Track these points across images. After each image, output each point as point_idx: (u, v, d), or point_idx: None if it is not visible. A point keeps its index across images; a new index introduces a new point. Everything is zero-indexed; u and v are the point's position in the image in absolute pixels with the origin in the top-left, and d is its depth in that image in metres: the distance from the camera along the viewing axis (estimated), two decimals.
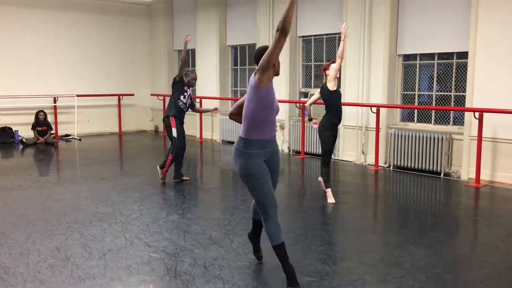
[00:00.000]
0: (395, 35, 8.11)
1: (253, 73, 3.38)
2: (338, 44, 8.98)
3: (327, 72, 6.00)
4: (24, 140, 10.96)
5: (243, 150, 3.43)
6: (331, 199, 5.92)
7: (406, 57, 8.20)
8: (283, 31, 3.01)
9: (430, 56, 7.90)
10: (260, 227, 3.84)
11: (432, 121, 7.95)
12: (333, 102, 5.94)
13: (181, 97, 6.94)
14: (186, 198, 6.13)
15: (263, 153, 3.47)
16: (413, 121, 8.21)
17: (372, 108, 8.12)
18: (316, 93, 6.21)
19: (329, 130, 5.94)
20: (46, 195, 6.34)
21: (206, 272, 3.73)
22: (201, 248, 4.26)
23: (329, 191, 5.98)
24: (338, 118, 6.01)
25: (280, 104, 10.31)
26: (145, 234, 4.65)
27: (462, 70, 7.48)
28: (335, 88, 5.93)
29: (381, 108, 8.07)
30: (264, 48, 3.32)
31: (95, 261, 4.01)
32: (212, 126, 11.80)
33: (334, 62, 5.98)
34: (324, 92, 5.95)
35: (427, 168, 7.59)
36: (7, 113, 11.38)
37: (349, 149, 8.81)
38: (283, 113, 9.99)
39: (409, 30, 7.97)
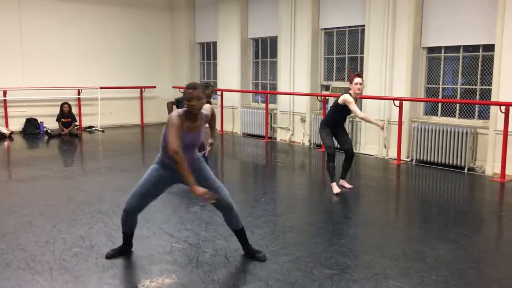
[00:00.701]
0: (420, 27, 7.98)
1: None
2: (361, 37, 8.91)
3: (356, 91, 5.87)
4: (49, 131, 11.17)
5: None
6: (336, 190, 5.93)
7: (431, 49, 8.06)
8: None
9: (455, 48, 7.76)
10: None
11: (457, 115, 7.82)
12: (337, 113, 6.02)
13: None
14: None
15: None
16: (437, 115, 8.09)
17: (395, 101, 8.02)
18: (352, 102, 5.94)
19: (324, 128, 6.09)
20: (71, 185, 6.46)
21: (227, 263, 3.76)
22: (223, 239, 4.29)
23: (333, 184, 6.00)
24: (331, 125, 6.09)
25: (301, 97, 10.32)
26: (167, 224, 4.70)
27: (488, 63, 7.32)
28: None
29: (404, 102, 7.97)
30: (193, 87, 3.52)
31: None
32: (233, 118, 11.83)
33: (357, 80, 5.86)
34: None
35: (450, 162, 7.48)
36: (33, 105, 11.61)
37: (371, 142, 8.73)
38: (304, 106, 9.96)
39: (434, 22, 7.84)
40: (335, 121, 6.11)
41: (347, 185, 6.23)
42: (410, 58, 7.99)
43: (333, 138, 6.10)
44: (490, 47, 7.18)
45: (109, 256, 3.85)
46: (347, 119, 6.36)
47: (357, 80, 5.86)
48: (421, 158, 7.85)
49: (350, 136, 8.52)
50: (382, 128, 6.03)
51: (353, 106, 5.82)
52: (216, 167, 8.32)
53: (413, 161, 7.99)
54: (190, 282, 3.42)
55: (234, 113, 11.80)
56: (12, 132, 10.91)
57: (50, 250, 3.99)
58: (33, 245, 4.12)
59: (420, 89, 8.19)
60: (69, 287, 3.35)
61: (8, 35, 11.16)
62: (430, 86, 8.15)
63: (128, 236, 3.92)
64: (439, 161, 7.61)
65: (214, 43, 12.43)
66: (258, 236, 4.37)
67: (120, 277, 3.54)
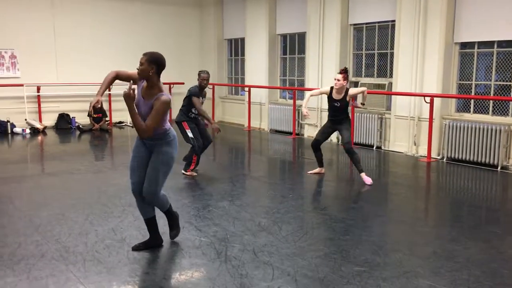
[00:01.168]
0: (452, 22, 7.81)
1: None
2: (391, 32, 8.78)
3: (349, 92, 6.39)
4: (80, 126, 11.42)
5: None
6: (315, 170, 6.71)
7: (463, 45, 7.89)
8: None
9: (489, 44, 7.56)
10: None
11: (490, 112, 7.63)
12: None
13: (193, 109, 6.70)
14: (235, 186, 6.21)
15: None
16: (469, 111, 7.91)
17: (426, 98, 7.88)
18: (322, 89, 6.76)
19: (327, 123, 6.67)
20: (102, 179, 6.60)
21: (255, 258, 3.78)
22: (250, 234, 4.31)
23: (318, 169, 6.73)
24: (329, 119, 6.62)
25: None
26: (195, 219, 4.75)
27: None
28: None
29: (435, 98, 7.82)
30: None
31: None
32: (261, 115, 11.84)
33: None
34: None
35: (483, 160, 7.31)
36: (65, 101, 11.88)
37: (400, 140, 8.61)
38: None
39: (467, 17, 7.65)
40: (329, 114, 6.57)
41: (366, 180, 6.23)
42: (442, 54, 7.83)
43: (327, 131, 6.63)
44: None
45: (136, 248, 3.92)
46: (348, 114, 6.57)
47: (336, 75, 6.33)
48: (453, 156, 7.70)
49: (379, 133, 8.44)
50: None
51: (314, 92, 6.68)
52: (244, 163, 8.36)
53: (444, 159, 7.84)
54: (218, 276, 3.45)
55: (261, 109, 11.81)
56: (45, 127, 11.20)
57: (83, 241, 4.09)
58: (67, 237, 4.23)
59: (452, 86, 8.02)
60: (102, 277, 3.43)
61: (42, 32, 11.44)
62: (463, 82, 7.97)
63: (148, 224, 3.97)
64: (471, 159, 7.44)
65: (242, 39, 12.45)
66: (286, 232, 4.37)
67: (150, 269, 3.60)
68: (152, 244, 3.96)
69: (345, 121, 6.45)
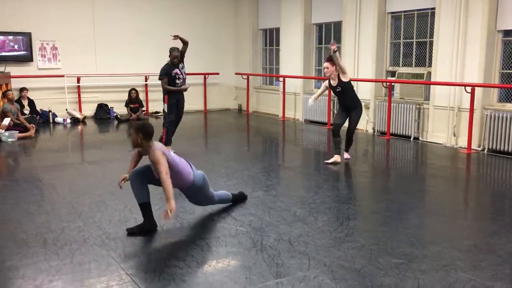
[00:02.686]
0: (495, 9, 7.52)
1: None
2: (431, 20, 8.55)
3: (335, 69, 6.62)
4: (118, 116, 11.68)
5: None
6: (331, 159, 6.74)
7: (506, 33, 7.60)
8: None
9: None
10: None
11: None
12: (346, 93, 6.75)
13: (176, 81, 7.52)
14: (270, 176, 6.22)
15: None
16: None
17: (467, 87, 7.65)
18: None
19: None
20: None
21: (291, 247, 3.79)
22: (286, 224, 4.32)
23: (335, 156, 6.74)
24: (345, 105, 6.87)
25: (365, 84, 10.17)
26: (231, 208, 4.79)
27: None
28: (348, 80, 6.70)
29: (476, 88, 7.58)
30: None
31: (185, 231, 4.24)
32: (295, 105, 11.79)
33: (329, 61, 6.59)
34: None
35: None
36: (104, 91, 12.17)
37: (439, 130, 8.40)
38: (369, 93, 9.73)
39: (511, 3, 7.36)
40: (338, 101, 7.08)
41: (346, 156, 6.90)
42: (484, 42, 7.57)
43: (343, 115, 6.83)
44: None
45: (131, 232, 4.09)
46: (356, 97, 6.97)
47: (324, 64, 6.72)
48: (494, 147, 7.46)
49: (417, 123, 8.30)
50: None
51: (320, 90, 7.12)
52: (278, 153, 8.36)
53: (485, 150, 7.61)
54: (254, 265, 3.48)
55: (296, 99, 11.75)
56: (85, 117, 11.51)
57: (123, 228, 4.20)
58: (107, 223, 4.35)
59: (494, 75, 7.75)
60: (141, 263, 3.52)
61: (82, 23, 11.71)
62: (506, 71, 7.69)
63: (143, 209, 4.20)
64: None
65: (277, 29, 12.39)
66: (322, 222, 4.36)
67: (187, 256, 3.67)
68: (146, 228, 4.14)
69: (355, 107, 6.79)
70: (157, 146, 4.11)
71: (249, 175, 6.24)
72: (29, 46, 11.15)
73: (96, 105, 12.01)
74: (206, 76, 13.31)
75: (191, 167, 4.33)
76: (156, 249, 3.77)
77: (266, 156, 8.07)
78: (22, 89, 10.79)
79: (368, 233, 4.15)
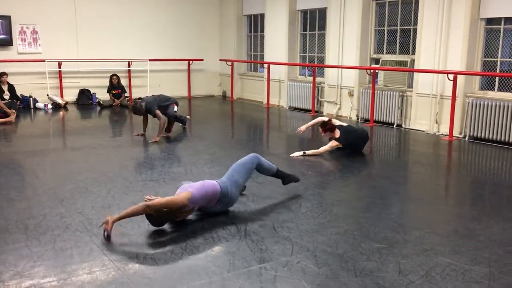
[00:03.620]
0: None
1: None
2: (415, 8, 8.58)
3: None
4: (101, 102, 11.54)
5: None
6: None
7: (489, 21, 7.67)
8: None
9: None
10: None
11: None
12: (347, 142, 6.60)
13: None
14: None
15: None
16: (494, 89, 7.74)
17: (449, 75, 7.72)
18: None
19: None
20: (123, 154, 6.69)
21: (275, 233, 3.81)
22: (270, 210, 4.34)
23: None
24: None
25: (349, 71, 10.19)
26: None
27: None
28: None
29: (458, 76, 7.65)
30: None
31: None
32: (280, 92, 11.78)
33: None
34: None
35: (506, 139, 7.18)
36: (86, 76, 11.99)
37: (422, 118, 8.49)
38: (353, 80, 9.77)
39: None
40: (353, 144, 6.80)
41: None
42: (467, 30, 7.64)
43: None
44: None
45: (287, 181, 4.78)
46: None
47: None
48: (475, 134, 7.58)
49: (400, 110, 8.38)
50: None
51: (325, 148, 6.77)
52: (262, 139, 8.36)
53: (466, 138, 7.72)
54: (238, 250, 3.49)
55: (280, 86, 11.74)
56: (67, 103, 11.34)
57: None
58: (90, 210, 4.31)
59: (476, 63, 7.84)
60: (124, 249, 3.50)
61: (63, 7, 11.48)
62: (487, 59, 7.78)
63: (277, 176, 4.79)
64: (494, 138, 7.32)
65: (262, 15, 12.32)
66: (306, 208, 4.39)
67: (171, 242, 3.66)
68: (292, 179, 4.83)
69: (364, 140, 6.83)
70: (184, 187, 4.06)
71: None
72: (8, 30, 10.90)
73: (78, 90, 11.83)
74: (190, 62, 13.20)
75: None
76: (139, 235, 3.75)
77: (250, 142, 8.07)
78: (1, 74, 10.56)
79: (351, 219, 4.19)
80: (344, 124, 6.79)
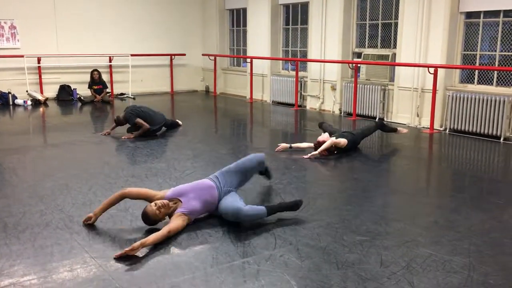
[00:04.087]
0: None
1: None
2: (396, 2, 8.63)
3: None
4: (82, 98, 11.39)
5: None
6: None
7: (469, 15, 7.76)
8: None
9: (495, 13, 7.43)
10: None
11: (494, 83, 7.57)
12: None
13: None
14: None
15: None
16: (473, 83, 7.84)
17: (430, 68, 7.80)
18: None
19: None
20: (104, 150, 6.61)
21: (257, 227, 3.81)
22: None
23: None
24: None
25: (332, 65, 10.19)
26: None
27: None
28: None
29: (439, 69, 7.74)
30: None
31: None
32: (263, 86, 11.77)
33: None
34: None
35: (486, 132, 7.29)
36: (66, 72, 11.82)
37: (403, 111, 8.57)
38: (335, 74, 9.81)
39: None
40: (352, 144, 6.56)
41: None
42: (447, 24, 7.72)
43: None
44: None
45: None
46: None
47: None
48: (455, 127, 7.68)
49: (382, 104, 8.44)
50: None
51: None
52: (246, 134, 8.36)
53: (447, 130, 7.82)
54: (221, 245, 3.49)
55: (263, 80, 11.73)
56: (47, 99, 11.17)
57: (87, 211, 4.11)
58: (71, 207, 4.26)
59: (456, 56, 7.93)
60: (106, 246, 3.47)
61: (42, 1, 11.28)
62: (467, 53, 7.87)
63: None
64: (474, 130, 7.43)
65: (244, 10, 12.27)
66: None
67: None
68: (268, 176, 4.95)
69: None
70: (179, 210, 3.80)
71: (216, 157, 6.22)
72: None
73: (58, 86, 11.66)
74: (173, 57, 13.10)
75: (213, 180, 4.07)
76: (121, 232, 3.72)
77: (233, 137, 8.05)
78: None
79: (333, 212, 4.22)
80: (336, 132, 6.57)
